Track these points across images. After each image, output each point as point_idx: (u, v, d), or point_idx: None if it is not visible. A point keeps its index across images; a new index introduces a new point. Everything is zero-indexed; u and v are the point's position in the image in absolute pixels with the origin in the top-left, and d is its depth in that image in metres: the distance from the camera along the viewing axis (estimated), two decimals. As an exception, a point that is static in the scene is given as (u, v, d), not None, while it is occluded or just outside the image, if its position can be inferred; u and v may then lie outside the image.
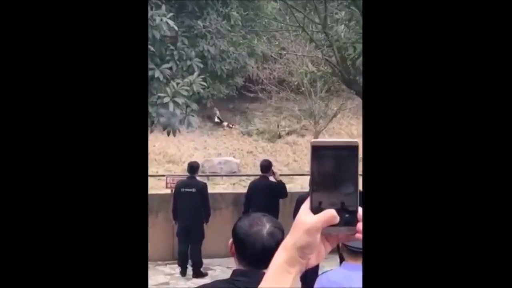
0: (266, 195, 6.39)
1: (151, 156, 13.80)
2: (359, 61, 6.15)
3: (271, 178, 6.67)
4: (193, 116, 6.22)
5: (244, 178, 13.13)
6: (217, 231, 6.79)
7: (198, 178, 6.88)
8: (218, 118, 17.84)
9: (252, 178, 13.48)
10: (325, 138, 0.83)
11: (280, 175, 6.95)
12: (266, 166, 6.75)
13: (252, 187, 6.71)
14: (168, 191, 7.76)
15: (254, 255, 1.57)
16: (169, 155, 14.30)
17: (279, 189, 6.51)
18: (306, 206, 0.76)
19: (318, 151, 0.75)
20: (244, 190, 11.83)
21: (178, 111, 5.95)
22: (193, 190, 6.46)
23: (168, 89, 5.90)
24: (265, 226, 1.61)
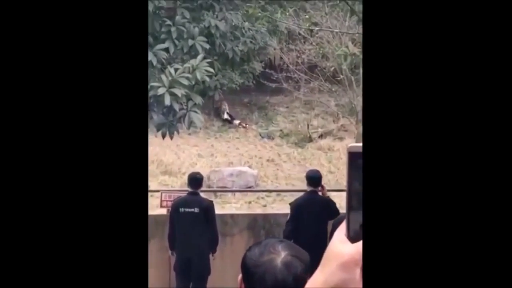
0: (319, 217, 6.17)
1: (141, 165, 13.94)
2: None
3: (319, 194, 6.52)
4: (196, 112, 6.24)
5: (263, 194, 13.13)
6: (227, 264, 6.78)
7: (202, 194, 6.89)
8: (228, 114, 17.92)
9: (274, 195, 13.56)
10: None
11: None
12: (317, 179, 6.51)
13: (299, 207, 6.46)
14: (163, 211, 7.78)
15: None
16: (164, 164, 14.40)
17: (332, 208, 6.33)
18: (341, 231, 0.75)
19: (357, 159, 0.74)
20: (263, 211, 11.84)
21: (176, 106, 5.98)
22: (196, 210, 6.46)
23: (163, 77, 5.93)
24: (280, 255, 1.60)
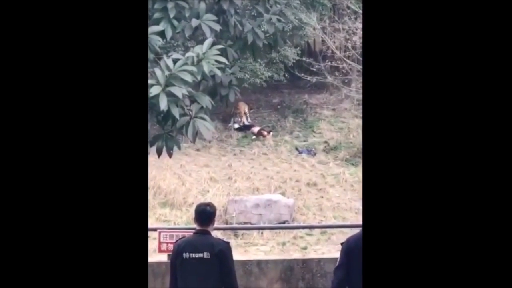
0: None
1: (132, 195, 14.00)
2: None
3: None
4: (203, 119, 6.25)
5: (302, 232, 13.04)
6: (252, 332, 6.74)
7: (215, 234, 6.87)
8: (239, 122, 17.79)
9: (317, 233, 13.41)
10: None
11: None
12: None
13: (352, 247, 6.45)
14: (163, 257, 7.78)
15: None
16: (164, 193, 14.45)
17: None
18: None
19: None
20: (303, 255, 11.71)
21: (176, 111, 6.00)
22: (206, 255, 6.43)
23: (158, 72, 5.97)
24: None
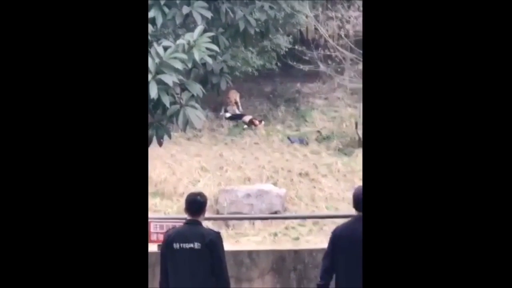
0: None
1: (122, 185, 13.97)
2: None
3: None
4: (194, 107, 6.24)
5: (294, 223, 13.06)
6: (243, 323, 6.76)
7: (206, 224, 6.87)
8: (230, 111, 17.74)
9: (309, 223, 13.42)
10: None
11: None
12: None
13: (340, 237, 6.54)
14: (154, 247, 7.78)
15: None
16: (154, 183, 14.43)
17: None
18: None
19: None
20: (295, 245, 11.73)
21: (166, 99, 6.00)
22: (196, 245, 6.43)
23: (148, 59, 5.95)
24: None
